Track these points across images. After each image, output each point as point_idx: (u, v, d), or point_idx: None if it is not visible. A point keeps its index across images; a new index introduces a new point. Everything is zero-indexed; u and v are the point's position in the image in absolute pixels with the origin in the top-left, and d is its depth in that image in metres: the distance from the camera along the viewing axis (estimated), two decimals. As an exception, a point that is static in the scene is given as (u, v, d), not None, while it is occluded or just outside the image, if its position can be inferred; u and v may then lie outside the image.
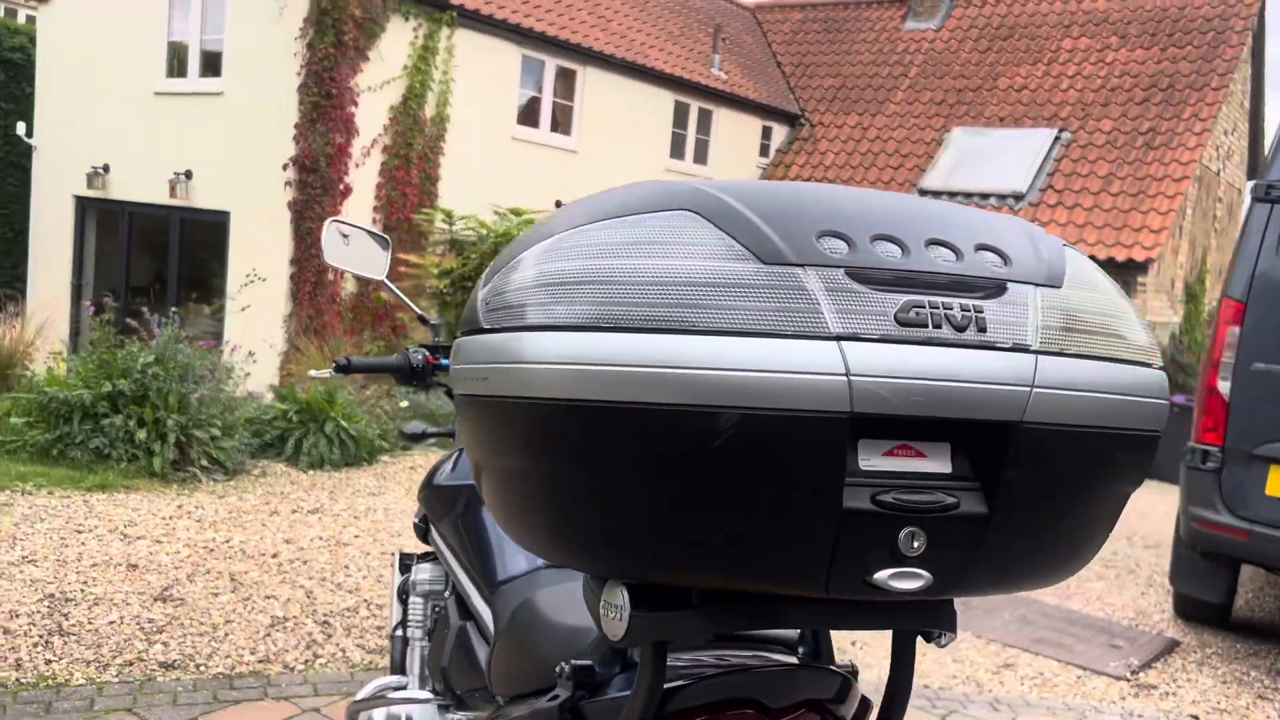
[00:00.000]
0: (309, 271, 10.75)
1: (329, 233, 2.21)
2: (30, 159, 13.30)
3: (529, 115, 12.93)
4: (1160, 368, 0.98)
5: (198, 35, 11.62)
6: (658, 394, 0.79)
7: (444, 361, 2.23)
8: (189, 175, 11.46)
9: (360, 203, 11.09)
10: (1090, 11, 15.90)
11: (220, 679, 3.52)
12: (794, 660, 1.20)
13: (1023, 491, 0.86)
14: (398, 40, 11.21)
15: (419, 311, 2.37)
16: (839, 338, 0.81)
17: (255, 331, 9.81)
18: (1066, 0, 16.23)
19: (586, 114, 13.44)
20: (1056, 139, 14.53)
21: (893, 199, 0.92)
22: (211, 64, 11.53)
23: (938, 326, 0.83)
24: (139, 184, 11.90)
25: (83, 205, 12.70)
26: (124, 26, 12.02)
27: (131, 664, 3.55)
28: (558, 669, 1.18)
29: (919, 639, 1.08)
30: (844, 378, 0.80)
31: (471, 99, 12.01)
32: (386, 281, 2.30)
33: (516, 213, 9.06)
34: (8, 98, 14.16)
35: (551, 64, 12.96)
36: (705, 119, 15.26)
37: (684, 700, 1.06)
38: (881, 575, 0.85)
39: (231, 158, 11.06)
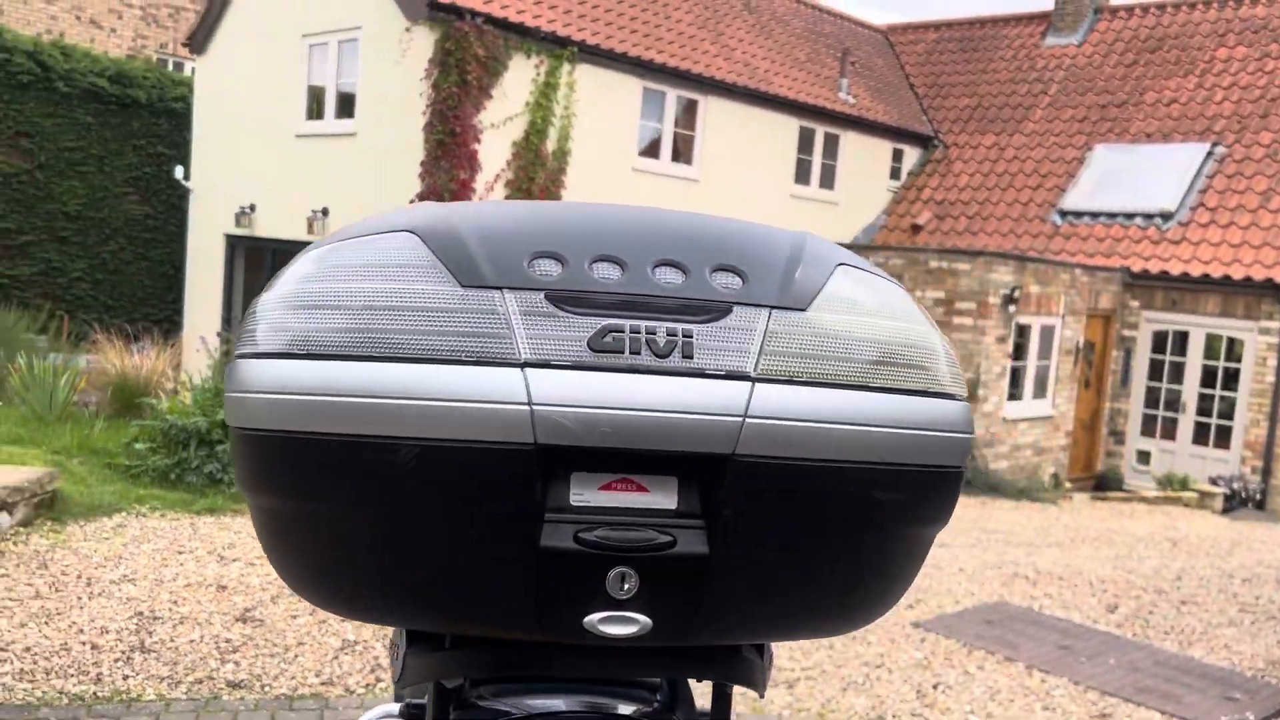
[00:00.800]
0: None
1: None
2: (188, 201, 14.23)
3: (650, 147, 13.03)
4: (963, 399, 0.87)
5: (334, 79, 12.22)
6: (345, 425, 0.75)
7: None
8: (325, 213, 12.01)
9: (483, 235, 11.39)
10: (1247, 19, 14.96)
11: (281, 699, 3.61)
12: (627, 710, 1.13)
13: (747, 530, 0.78)
14: (520, 77, 11.51)
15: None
16: (526, 364, 0.75)
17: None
18: (1221, 8, 15.33)
19: (708, 143, 13.46)
20: (1209, 154, 13.68)
21: (637, 215, 0.85)
22: (346, 106, 12.10)
23: (635, 353, 0.76)
24: (281, 222, 12.55)
25: (232, 243, 13.48)
26: (270, 73, 12.76)
27: (201, 682, 3.68)
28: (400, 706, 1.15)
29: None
30: (526, 407, 0.74)
31: (593, 132, 12.20)
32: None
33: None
34: (170, 144, 15.20)
35: (673, 95, 13.05)
36: (832, 144, 15.05)
37: None
38: (592, 618, 0.78)
39: (363, 195, 11.55)
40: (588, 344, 0.76)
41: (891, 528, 0.83)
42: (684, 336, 0.77)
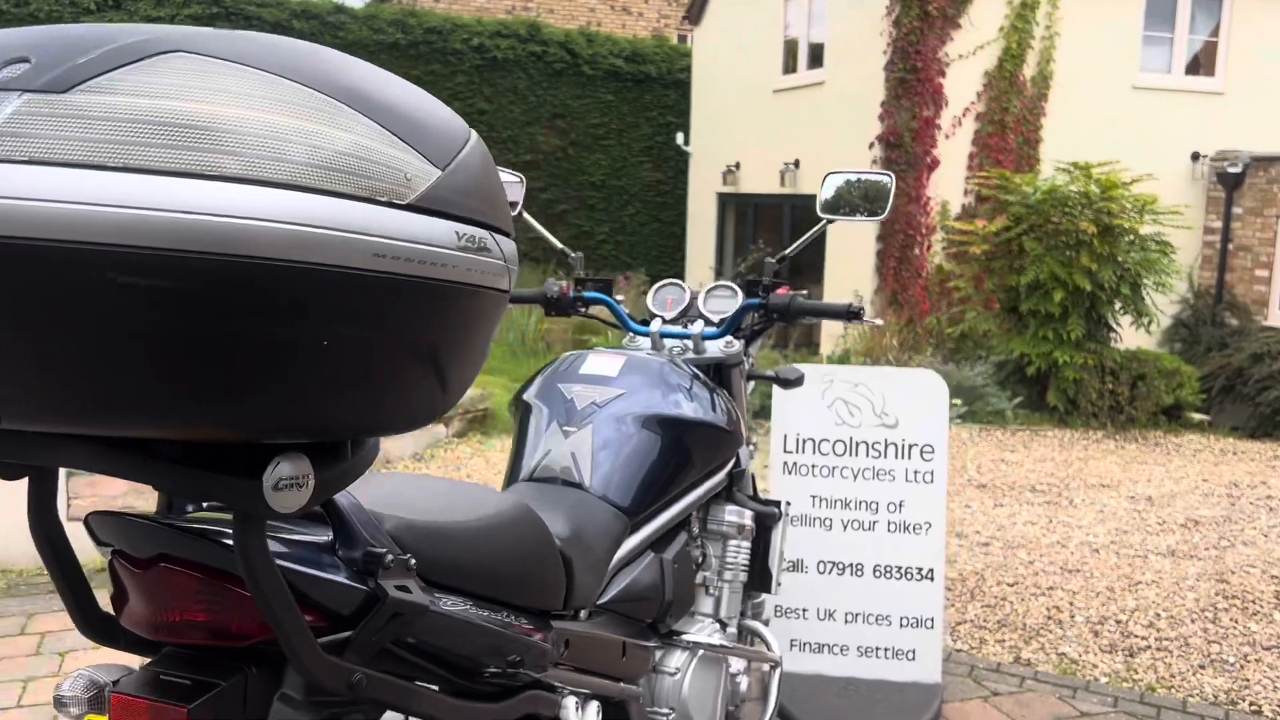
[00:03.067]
0: (893, 247, 10.81)
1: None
2: (688, 164, 15.36)
3: (1155, 58, 11.37)
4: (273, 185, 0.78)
5: (805, 30, 12.36)
6: None
7: (587, 293, 2.30)
8: (796, 165, 12.26)
9: (950, 174, 10.84)
10: None
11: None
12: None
13: None
14: (991, 3, 10.70)
15: (560, 246, 2.44)
16: None
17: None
18: None
19: (1235, 48, 11.39)
20: None
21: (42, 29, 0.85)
22: (816, 56, 12.19)
23: None
24: (760, 177, 13.05)
25: (722, 200, 14.32)
26: (751, 33, 13.27)
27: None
28: None
29: None
30: None
31: (1080, 50, 10.96)
32: (525, 214, 2.41)
33: (1082, 168, 8.10)
34: (677, 114, 16.49)
35: (1187, -3, 11.24)
36: None
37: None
38: None
39: (828, 143, 11.58)
40: None
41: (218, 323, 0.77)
42: None
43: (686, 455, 1.91)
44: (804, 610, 3.10)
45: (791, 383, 2.39)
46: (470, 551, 1.22)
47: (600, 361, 1.99)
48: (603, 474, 1.80)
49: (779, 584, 2.41)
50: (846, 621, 3.10)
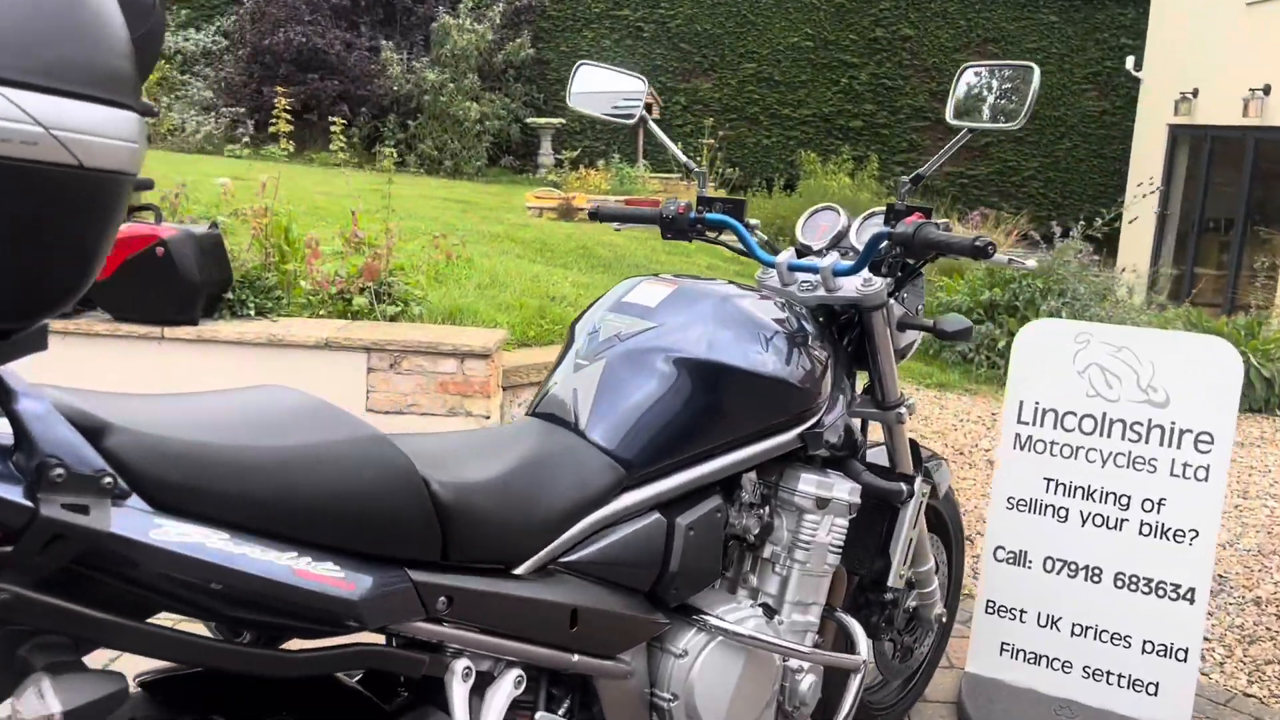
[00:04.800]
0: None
1: (577, 76, 2.22)
2: (1138, 92, 13.51)
3: None
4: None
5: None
6: None
7: (709, 215, 2.07)
8: (1266, 91, 10.28)
9: None
10: None
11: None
12: None
13: None
14: None
15: (683, 159, 2.19)
16: None
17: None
18: None
19: None
20: None
21: None
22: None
23: None
24: (1219, 105, 11.14)
25: (1173, 133, 12.43)
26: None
27: None
28: None
29: None
30: None
31: None
32: (648, 118, 2.18)
33: None
34: (1132, 35, 14.51)
35: None
36: None
37: None
38: None
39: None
40: None
41: None
42: None
43: (721, 408, 1.62)
44: (1021, 612, 2.60)
45: (950, 335, 1.96)
46: (238, 480, 1.09)
47: (648, 289, 1.74)
48: (602, 417, 1.57)
49: (903, 577, 2.02)
50: (1073, 634, 2.55)
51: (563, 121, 15.61)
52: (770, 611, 1.75)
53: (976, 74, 1.91)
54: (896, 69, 15.45)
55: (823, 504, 1.77)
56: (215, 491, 1.07)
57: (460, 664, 1.30)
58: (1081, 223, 6.66)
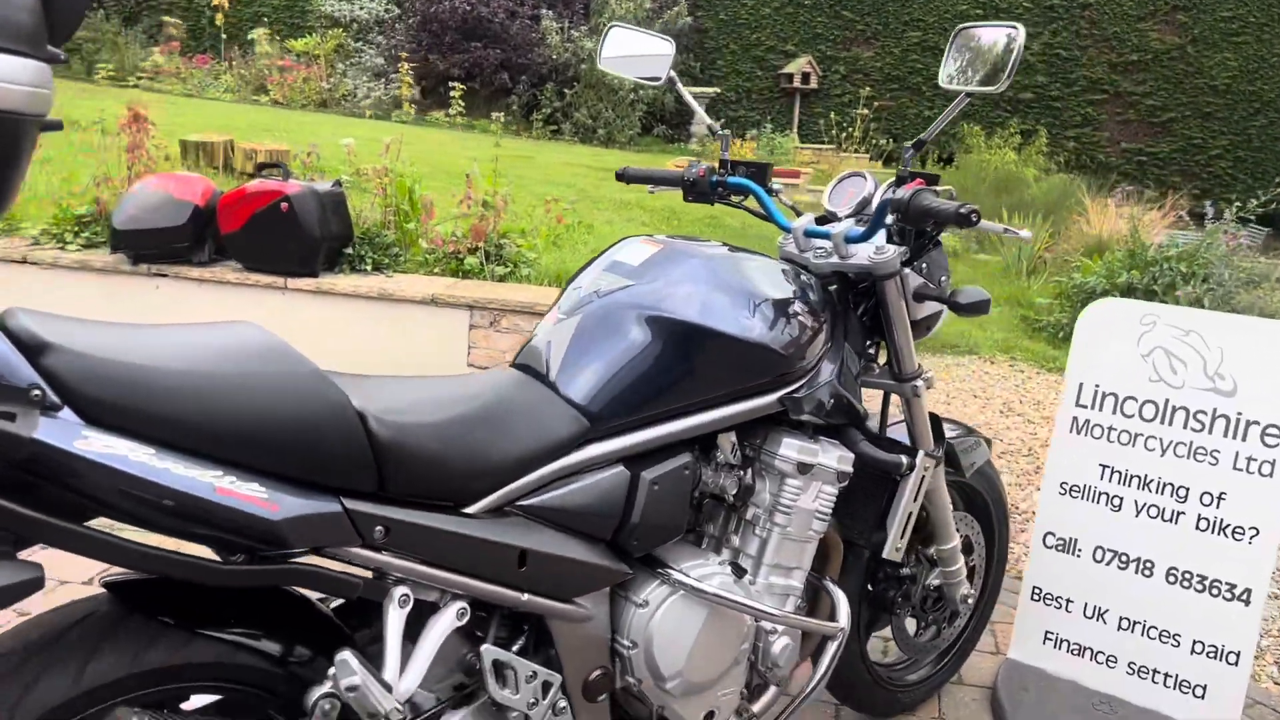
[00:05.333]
0: None
1: (608, 38, 2.25)
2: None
3: None
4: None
5: None
6: None
7: (731, 179, 2.09)
8: None
9: None
10: None
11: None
12: None
13: None
14: None
15: (708, 121, 2.20)
16: None
17: None
18: None
19: None
20: None
21: None
22: None
23: None
24: None
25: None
26: None
27: None
28: None
29: None
30: None
31: None
32: (675, 80, 2.19)
33: None
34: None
35: None
36: None
37: None
38: None
39: None
40: None
41: None
42: None
43: (691, 367, 1.64)
44: (1067, 601, 2.50)
45: (965, 307, 1.91)
46: (169, 401, 1.20)
47: (636, 248, 1.77)
48: (571, 370, 1.62)
49: (900, 550, 1.99)
50: (1120, 628, 2.44)
51: (718, 91, 15.55)
52: (740, 571, 1.76)
53: (969, 36, 1.84)
54: (1073, 39, 14.64)
55: (805, 469, 1.77)
56: (145, 410, 1.18)
57: (399, 591, 1.39)
58: (1236, 204, 6.20)
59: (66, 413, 1.13)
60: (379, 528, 1.34)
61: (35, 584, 1.09)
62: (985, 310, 1.92)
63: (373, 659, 1.36)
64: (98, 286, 4.21)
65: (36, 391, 1.10)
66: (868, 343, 2.01)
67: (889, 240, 1.89)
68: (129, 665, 1.24)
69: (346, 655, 1.30)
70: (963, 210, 1.63)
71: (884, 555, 1.96)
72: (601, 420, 1.58)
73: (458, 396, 1.51)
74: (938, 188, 1.80)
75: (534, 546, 1.51)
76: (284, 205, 3.97)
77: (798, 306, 1.75)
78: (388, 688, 1.32)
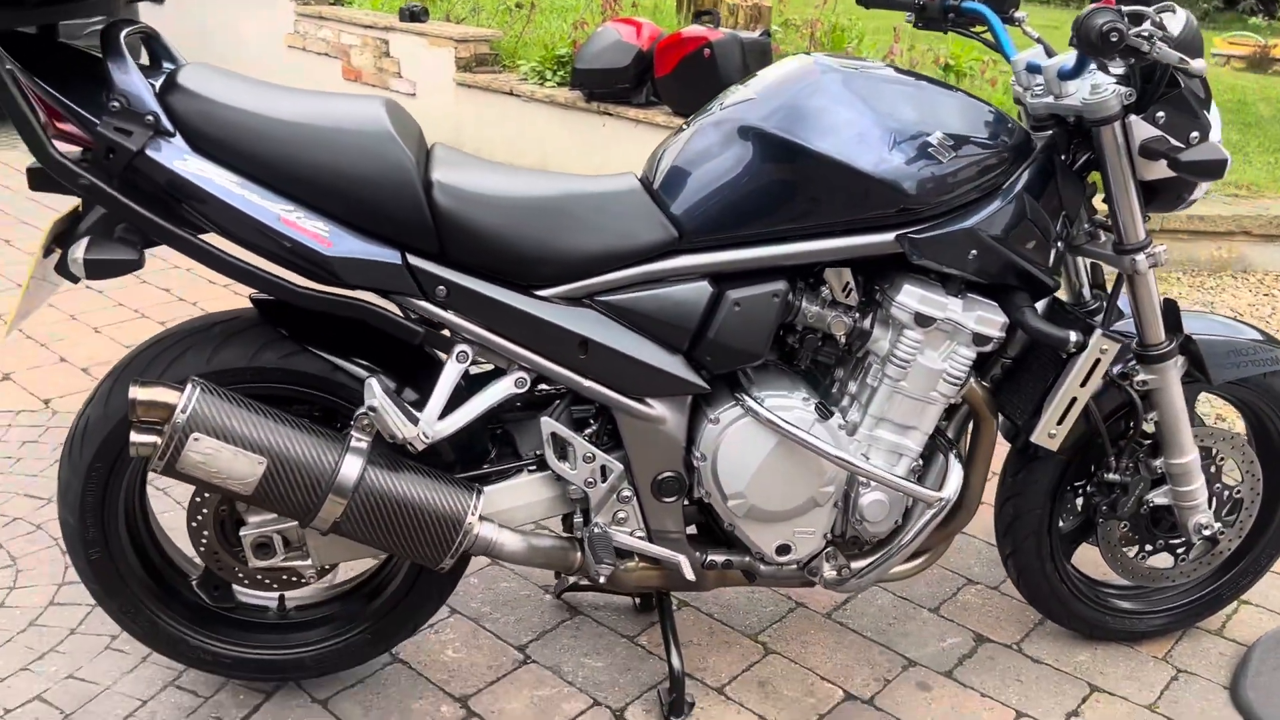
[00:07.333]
0: None
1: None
2: None
3: None
4: None
5: None
6: None
7: (965, 5, 1.93)
8: None
9: None
10: None
11: None
12: None
13: None
14: None
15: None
16: None
17: None
18: None
19: None
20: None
21: None
22: None
23: None
24: None
25: None
26: None
27: None
28: None
29: None
30: None
31: None
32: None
33: None
34: None
35: None
36: None
37: None
38: None
39: None
40: None
41: None
42: None
43: (792, 191, 1.59)
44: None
45: (1185, 165, 1.58)
46: (259, 140, 1.48)
47: (782, 65, 1.72)
48: (672, 180, 1.65)
49: (1054, 438, 1.74)
50: None
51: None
52: (826, 413, 1.69)
53: None
54: None
55: (925, 322, 1.64)
56: (239, 147, 1.50)
57: (459, 347, 1.60)
58: None
59: (178, 139, 1.48)
60: (440, 287, 1.56)
61: (133, 264, 1.47)
62: (1218, 174, 1.58)
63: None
64: (560, 119, 4.83)
65: (150, 117, 1.45)
66: (1084, 205, 1.75)
67: (1121, 82, 1.62)
68: (247, 359, 1.62)
69: (373, 380, 1.56)
70: (1104, 27, 1.37)
71: (1033, 439, 1.74)
72: (692, 233, 1.62)
73: (547, 189, 1.64)
74: (1124, 8, 1.49)
75: (599, 339, 1.62)
76: (706, 52, 4.20)
77: (951, 143, 1.59)
78: (413, 420, 1.56)
